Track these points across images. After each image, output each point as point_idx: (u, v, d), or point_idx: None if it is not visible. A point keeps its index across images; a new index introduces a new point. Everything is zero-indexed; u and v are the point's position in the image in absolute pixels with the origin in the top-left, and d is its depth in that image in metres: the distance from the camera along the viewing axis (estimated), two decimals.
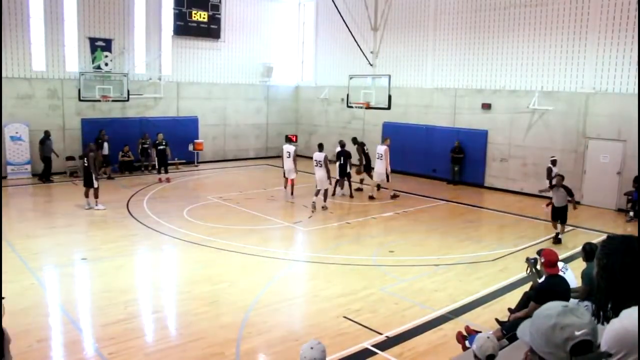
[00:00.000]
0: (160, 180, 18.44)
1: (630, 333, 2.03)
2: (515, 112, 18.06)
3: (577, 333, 1.79)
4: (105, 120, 20.30)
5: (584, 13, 16.22)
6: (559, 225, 12.49)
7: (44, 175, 18.42)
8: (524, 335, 1.96)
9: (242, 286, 9.22)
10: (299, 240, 12.83)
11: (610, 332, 2.06)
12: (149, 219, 13.59)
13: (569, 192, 12.26)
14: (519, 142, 18.10)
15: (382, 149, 16.48)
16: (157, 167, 18.86)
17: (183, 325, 7.80)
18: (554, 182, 12.75)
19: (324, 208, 14.95)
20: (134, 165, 20.60)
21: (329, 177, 15.03)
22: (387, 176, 16.51)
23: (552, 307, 1.89)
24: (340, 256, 11.02)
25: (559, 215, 12.43)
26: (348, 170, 16.77)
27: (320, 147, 15.51)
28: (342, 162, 16.53)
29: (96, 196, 14.34)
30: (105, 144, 19.43)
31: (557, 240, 12.30)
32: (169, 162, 19.48)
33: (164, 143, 18.62)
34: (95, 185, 14.24)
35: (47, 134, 18.65)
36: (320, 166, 14.92)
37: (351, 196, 16.81)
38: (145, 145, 20.46)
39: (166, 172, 18.77)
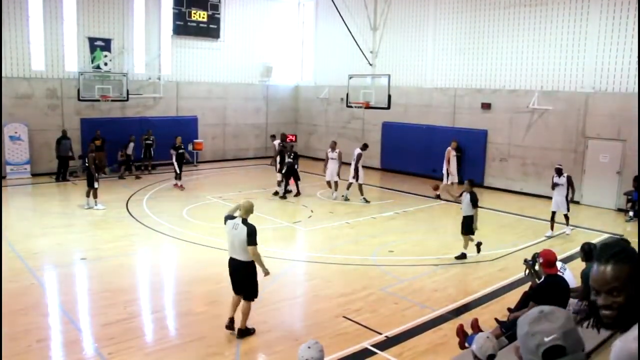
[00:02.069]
0: (179, 186, 17.44)
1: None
2: (515, 111, 18.06)
3: (546, 339, 1.82)
4: (105, 120, 20.30)
5: (584, 12, 16.22)
6: (472, 238, 10.92)
7: (58, 175, 18.44)
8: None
9: None
10: (299, 240, 12.83)
11: (620, 352, 1.94)
12: (148, 219, 13.59)
13: (474, 200, 10.69)
14: (519, 141, 18.10)
15: (446, 150, 16.77)
16: (178, 172, 17.53)
17: (183, 325, 7.79)
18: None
19: (346, 198, 16.14)
20: (134, 165, 20.60)
21: (356, 173, 15.93)
22: (448, 177, 16.75)
23: (529, 315, 1.93)
24: (340, 256, 11.02)
25: (463, 226, 10.90)
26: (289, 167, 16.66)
27: (364, 147, 16.43)
28: (292, 160, 16.65)
29: (95, 196, 14.35)
30: (132, 144, 19.46)
31: (461, 256, 10.79)
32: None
33: (182, 147, 17.85)
34: (96, 186, 14.24)
35: (64, 134, 18.70)
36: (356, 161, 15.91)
37: (283, 196, 16.42)
38: (149, 142, 20.42)
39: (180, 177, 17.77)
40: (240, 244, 6.99)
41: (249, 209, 7.15)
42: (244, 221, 7.04)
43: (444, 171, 17.27)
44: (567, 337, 1.85)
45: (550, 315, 1.88)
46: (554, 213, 12.79)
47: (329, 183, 16.51)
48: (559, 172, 12.79)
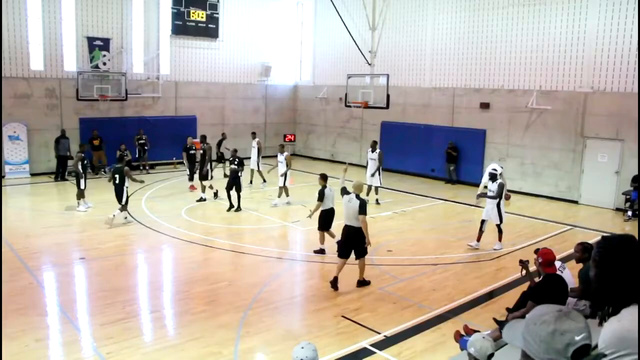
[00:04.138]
0: (193, 187, 17.00)
1: (629, 332, 2.02)
2: (514, 111, 18.07)
3: (577, 338, 1.78)
4: (104, 120, 20.30)
5: (582, 12, 16.23)
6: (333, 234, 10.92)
7: (57, 174, 18.40)
8: (513, 340, 1.94)
9: (240, 285, 9.23)
10: (297, 240, 12.82)
11: (610, 332, 2.06)
12: (147, 219, 13.59)
13: (320, 194, 10.75)
14: (517, 141, 18.11)
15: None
16: (189, 173, 17.04)
17: (181, 324, 7.80)
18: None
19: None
20: (132, 165, 20.60)
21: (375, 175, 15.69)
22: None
23: (547, 313, 1.86)
24: None
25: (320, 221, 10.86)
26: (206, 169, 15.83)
27: (375, 145, 16.04)
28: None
29: (78, 197, 14.23)
30: (224, 141, 19.27)
31: (320, 251, 10.89)
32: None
33: (194, 147, 17.20)
34: (82, 187, 14.12)
35: (63, 133, 18.70)
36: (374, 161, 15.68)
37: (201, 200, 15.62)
38: (142, 141, 20.48)
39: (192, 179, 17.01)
40: (354, 213, 8.82)
41: (359, 187, 9.21)
42: (357, 196, 8.93)
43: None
44: (591, 336, 1.84)
45: (571, 314, 1.85)
46: (483, 222, 11.46)
47: (280, 188, 15.42)
48: (493, 177, 11.36)
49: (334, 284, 8.98)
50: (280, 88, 26.01)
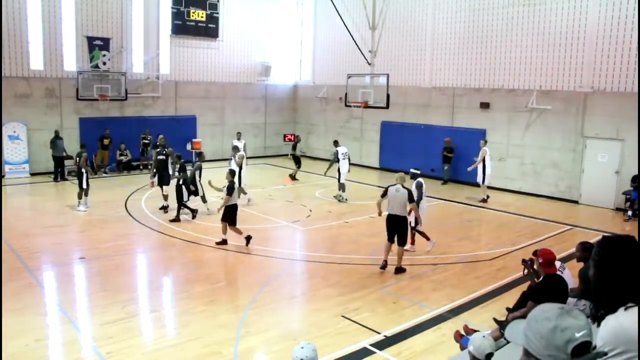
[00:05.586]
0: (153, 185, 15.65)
1: (627, 330, 2.03)
2: (514, 111, 18.07)
3: (577, 335, 1.79)
4: (104, 120, 20.30)
5: (582, 12, 16.23)
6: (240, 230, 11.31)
7: (56, 175, 18.40)
8: (515, 338, 1.94)
9: (240, 285, 9.24)
10: (297, 240, 12.82)
11: (607, 329, 2.07)
12: (147, 218, 13.58)
13: (229, 189, 11.18)
14: (517, 141, 18.11)
15: (481, 150, 16.59)
16: (154, 171, 15.65)
17: (181, 324, 7.80)
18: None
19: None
20: (132, 164, 20.63)
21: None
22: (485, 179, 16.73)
23: (548, 310, 1.87)
24: (339, 255, 11.02)
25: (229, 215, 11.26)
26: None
27: (336, 144, 16.71)
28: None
29: (80, 197, 14.22)
30: (299, 145, 19.20)
31: (222, 242, 11.29)
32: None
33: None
34: (84, 186, 14.10)
35: (57, 134, 18.68)
36: (344, 159, 16.18)
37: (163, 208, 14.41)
38: (146, 141, 20.47)
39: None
40: (402, 202, 9.57)
41: (403, 178, 9.89)
42: (403, 186, 9.66)
43: (480, 173, 16.71)
44: (591, 334, 1.86)
45: (572, 312, 1.86)
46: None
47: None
48: (414, 176, 11.27)
49: (384, 266, 9.86)
50: (280, 88, 26.01)
